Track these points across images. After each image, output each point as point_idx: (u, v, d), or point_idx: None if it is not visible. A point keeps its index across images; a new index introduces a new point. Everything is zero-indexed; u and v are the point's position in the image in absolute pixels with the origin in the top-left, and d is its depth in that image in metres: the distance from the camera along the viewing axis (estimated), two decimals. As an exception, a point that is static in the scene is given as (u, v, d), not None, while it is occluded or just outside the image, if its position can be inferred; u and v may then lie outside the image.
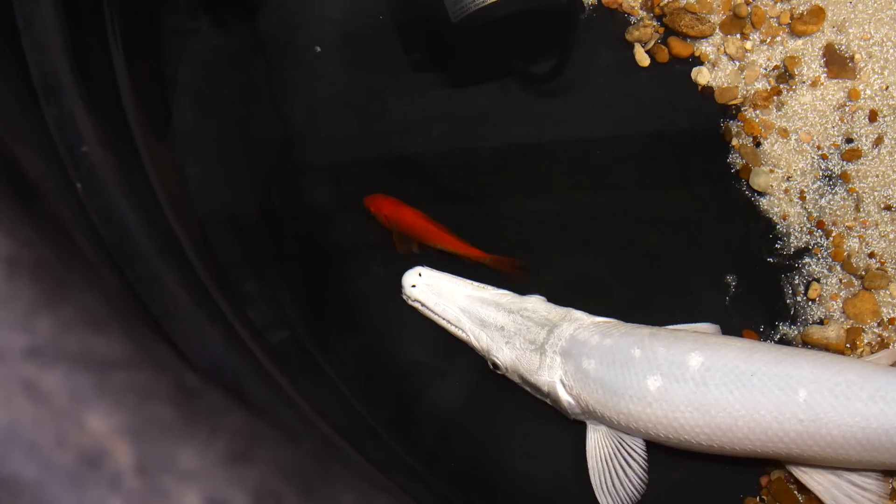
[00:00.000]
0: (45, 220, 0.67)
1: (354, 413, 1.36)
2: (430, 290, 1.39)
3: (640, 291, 1.46)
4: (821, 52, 1.53)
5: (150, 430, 0.53)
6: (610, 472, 1.31)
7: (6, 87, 0.99)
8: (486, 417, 1.41)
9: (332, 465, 0.53)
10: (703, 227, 1.50)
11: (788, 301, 1.43)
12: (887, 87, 1.51)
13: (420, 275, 1.40)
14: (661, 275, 1.47)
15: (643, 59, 1.57)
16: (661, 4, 1.58)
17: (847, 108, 1.50)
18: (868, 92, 1.51)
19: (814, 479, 1.29)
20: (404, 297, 1.41)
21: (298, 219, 1.53)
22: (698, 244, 1.49)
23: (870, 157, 1.48)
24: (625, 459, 1.31)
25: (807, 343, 1.39)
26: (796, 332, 1.41)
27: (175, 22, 1.49)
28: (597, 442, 1.33)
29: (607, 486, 1.31)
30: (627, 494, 1.30)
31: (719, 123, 1.53)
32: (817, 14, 1.54)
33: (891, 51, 1.52)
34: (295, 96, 1.59)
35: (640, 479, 1.31)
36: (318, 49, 1.60)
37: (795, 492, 1.32)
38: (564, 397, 1.31)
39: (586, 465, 1.33)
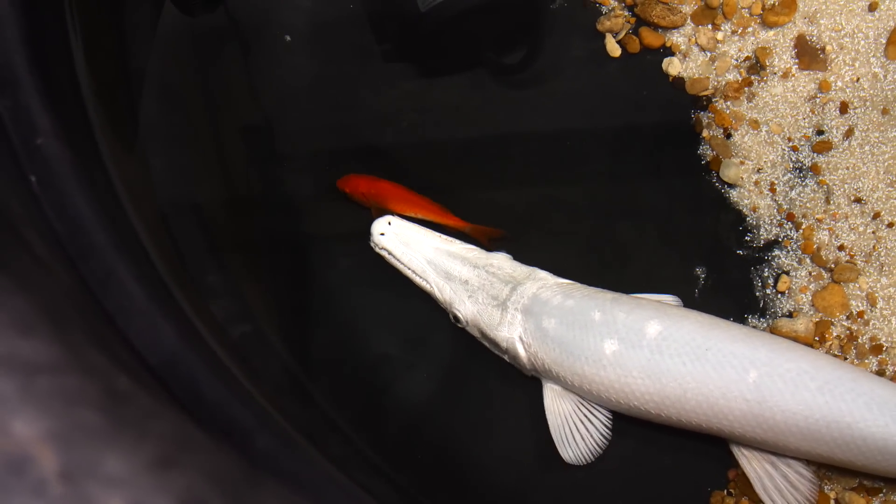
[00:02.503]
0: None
1: (317, 408, 1.35)
2: (399, 239, 1.39)
3: (609, 283, 1.44)
4: (792, 44, 1.53)
5: (75, 435, 0.52)
6: (570, 428, 1.33)
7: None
8: (454, 410, 1.41)
9: (261, 471, 0.52)
10: (673, 218, 1.49)
11: (758, 294, 1.43)
12: (858, 79, 1.50)
13: (389, 223, 1.40)
14: (631, 266, 1.46)
15: (614, 49, 1.56)
16: (633, -6, 1.58)
17: (818, 100, 1.50)
18: (839, 84, 1.50)
19: (751, 465, 1.30)
20: (372, 244, 1.41)
21: (266, 210, 1.52)
22: (668, 236, 1.48)
23: (840, 150, 1.47)
24: (586, 416, 1.33)
25: (775, 336, 1.38)
26: (765, 325, 1.40)
27: (139, 11, 1.47)
28: (553, 399, 1.34)
29: (568, 441, 1.33)
30: (589, 449, 1.33)
31: (690, 114, 1.52)
32: (789, 5, 1.53)
33: (862, 42, 1.52)
34: (264, 86, 1.57)
35: (603, 435, 1.33)
36: (288, 38, 1.59)
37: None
38: (522, 354, 1.33)
39: (551, 456, 1.34)
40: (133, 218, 1.12)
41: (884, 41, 1.51)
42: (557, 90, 1.57)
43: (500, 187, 1.52)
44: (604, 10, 1.58)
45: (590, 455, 1.33)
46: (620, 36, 1.57)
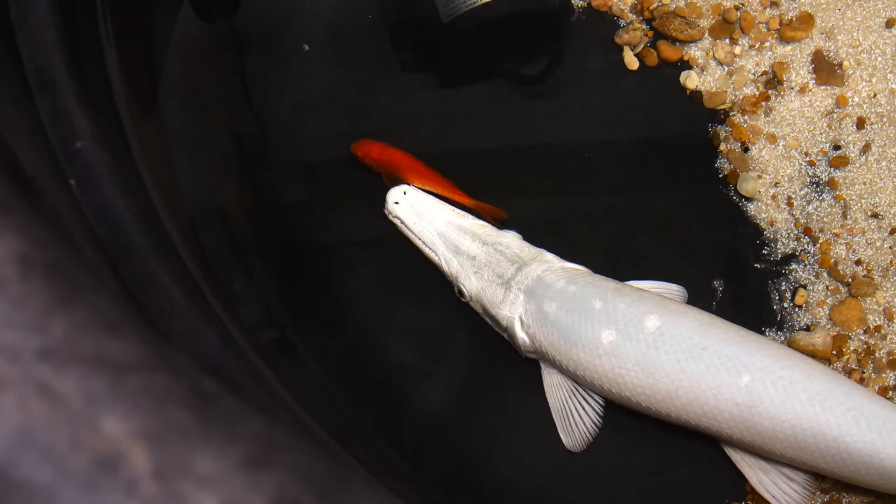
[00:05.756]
0: (51, 218, 0.66)
1: (343, 414, 1.35)
2: (412, 209, 1.41)
3: (626, 295, 1.46)
4: (809, 59, 1.54)
5: (166, 434, 0.52)
6: (568, 412, 1.35)
7: (2, 82, 0.98)
8: (473, 419, 1.41)
9: (350, 472, 0.53)
10: (691, 231, 1.50)
11: (775, 307, 1.43)
12: (875, 95, 1.51)
13: (405, 193, 1.42)
14: (648, 278, 1.46)
15: (632, 62, 1.57)
16: (651, 8, 1.58)
17: (835, 115, 1.51)
18: (856, 99, 1.51)
19: (745, 461, 1.31)
20: (386, 212, 1.43)
21: (287, 218, 1.52)
22: (685, 249, 1.49)
23: (857, 165, 1.48)
24: (579, 402, 1.35)
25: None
26: (783, 339, 1.41)
27: (163, 15, 1.47)
28: (552, 383, 1.36)
29: (566, 425, 1.35)
30: (583, 435, 1.35)
31: (707, 128, 1.53)
32: (806, 20, 1.55)
33: (879, 58, 1.53)
34: (283, 94, 1.58)
35: (594, 421, 1.35)
36: (307, 47, 1.59)
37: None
38: (520, 334, 1.34)
39: (568, 466, 1.36)
40: (167, 223, 1.12)
41: (900, 58, 1.53)
42: (575, 102, 1.57)
43: (516, 197, 1.53)
44: (622, 23, 1.59)
45: (585, 441, 1.35)
46: (638, 49, 1.58)
